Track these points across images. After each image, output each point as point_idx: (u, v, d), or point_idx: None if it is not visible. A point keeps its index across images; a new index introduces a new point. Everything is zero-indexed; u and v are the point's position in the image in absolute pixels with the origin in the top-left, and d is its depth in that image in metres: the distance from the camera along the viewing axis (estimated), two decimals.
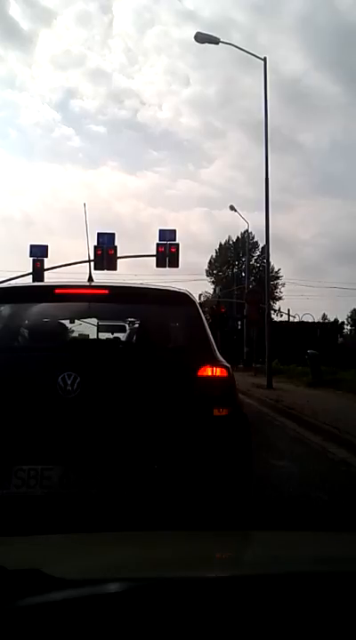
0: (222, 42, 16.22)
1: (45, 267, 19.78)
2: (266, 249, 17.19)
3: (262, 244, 41.97)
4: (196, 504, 2.60)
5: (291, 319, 40.58)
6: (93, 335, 5.11)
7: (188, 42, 67.49)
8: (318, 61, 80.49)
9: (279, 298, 51.65)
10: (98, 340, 4.93)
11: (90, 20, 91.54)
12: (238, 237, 55.12)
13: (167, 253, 18.97)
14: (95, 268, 16.98)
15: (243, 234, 48.90)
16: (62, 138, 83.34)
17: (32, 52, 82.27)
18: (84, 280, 4.99)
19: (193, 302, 3.48)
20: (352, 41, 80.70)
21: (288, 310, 45.71)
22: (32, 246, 19.79)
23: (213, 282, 57.15)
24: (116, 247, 19.18)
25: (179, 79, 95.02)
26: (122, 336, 5.41)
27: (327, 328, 34.18)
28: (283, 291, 53.14)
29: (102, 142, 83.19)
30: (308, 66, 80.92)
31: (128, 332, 5.26)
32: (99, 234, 18.96)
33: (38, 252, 19.68)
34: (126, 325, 5.45)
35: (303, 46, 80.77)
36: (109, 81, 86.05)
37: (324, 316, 61.62)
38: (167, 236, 19.26)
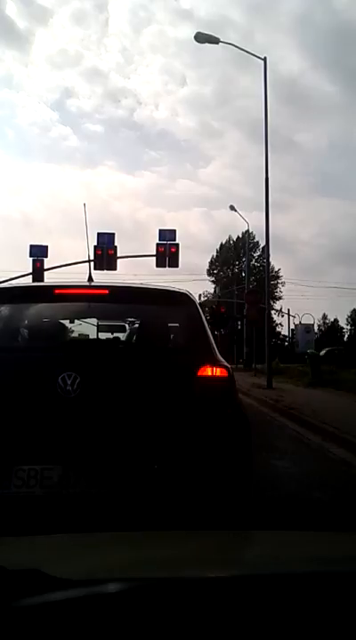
0: (223, 42, 16.25)
1: (45, 267, 19.79)
2: (266, 249, 17.21)
3: (262, 243, 42.02)
4: (196, 504, 2.60)
5: (291, 319, 40.64)
6: (92, 335, 5.11)
7: (184, 41, 67.73)
8: (315, 61, 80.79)
9: (279, 298, 51.80)
10: (98, 339, 4.93)
11: (86, 18, 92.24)
12: (238, 237, 55.22)
13: (167, 253, 18.98)
14: (95, 268, 17.00)
15: (244, 234, 48.94)
16: (59, 137, 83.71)
17: (28, 51, 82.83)
18: (84, 280, 4.99)
19: (193, 302, 3.48)
20: (350, 40, 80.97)
21: (288, 310, 45.83)
22: (32, 246, 19.82)
23: (213, 282, 57.26)
24: (116, 247, 19.22)
25: (175, 79, 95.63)
26: (122, 336, 5.41)
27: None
28: (283, 291, 53.29)
29: (100, 142, 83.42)
30: (305, 65, 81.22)
31: (128, 332, 5.26)
32: (99, 234, 18.99)
33: (38, 252, 19.70)
34: (126, 325, 5.45)
35: (300, 46, 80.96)
36: (105, 80, 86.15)
37: (324, 316, 61.72)
38: (167, 236, 19.27)
